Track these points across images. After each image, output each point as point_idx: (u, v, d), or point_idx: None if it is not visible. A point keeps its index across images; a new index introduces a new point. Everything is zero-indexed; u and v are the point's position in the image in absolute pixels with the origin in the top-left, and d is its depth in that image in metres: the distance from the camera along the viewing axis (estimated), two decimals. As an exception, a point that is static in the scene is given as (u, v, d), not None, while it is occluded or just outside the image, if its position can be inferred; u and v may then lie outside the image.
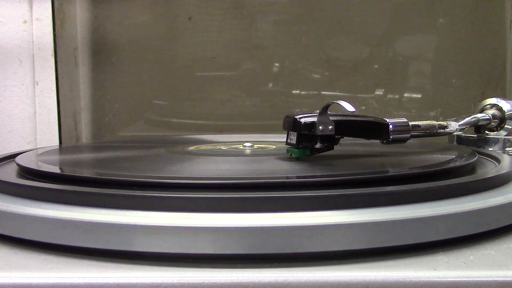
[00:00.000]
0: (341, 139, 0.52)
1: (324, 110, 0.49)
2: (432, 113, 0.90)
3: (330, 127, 0.49)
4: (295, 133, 0.49)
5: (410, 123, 0.52)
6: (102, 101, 0.91)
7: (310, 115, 0.49)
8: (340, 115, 0.50)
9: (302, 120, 0.49)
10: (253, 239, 0.34)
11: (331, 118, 0.49)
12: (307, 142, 0.50)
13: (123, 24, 0.90)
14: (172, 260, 0.34)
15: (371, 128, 0.52)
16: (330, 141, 0.50)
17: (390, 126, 0.50)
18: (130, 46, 0.90)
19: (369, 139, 0.52)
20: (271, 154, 0.54)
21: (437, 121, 0.56)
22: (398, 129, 0.51)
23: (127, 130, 0.91)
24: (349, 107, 0.47)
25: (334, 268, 0.34)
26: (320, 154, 0.51)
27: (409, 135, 0.52)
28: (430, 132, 0.55)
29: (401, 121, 0.51)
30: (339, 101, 0.48)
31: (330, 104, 0.49)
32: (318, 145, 0.50)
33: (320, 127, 0.49)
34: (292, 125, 0.50)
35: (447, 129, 0.57)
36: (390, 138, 0.50)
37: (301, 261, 0.34)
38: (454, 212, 0.37)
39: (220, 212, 0.35)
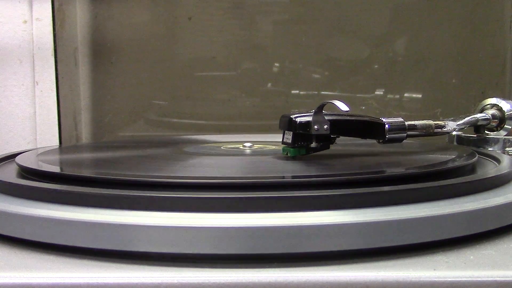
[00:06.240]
0: (341, 139, 0.52)
1: (319, 110, 0.49)
2: (432, 113, 0.90)
3: (325, 126, 0.49)
4: (291, 133, 0.50)
5: (407, 123, 0.52)
6: (102, 101, 0.90)
7: (305, 114, 0.49)
8: (335, 115, 0.50)
9: (298, 120, 0.49)
10: (253, 239, 0.34)
11: (326, 117, 0.49)
12: (303, 141, 0.50)
13: (123, 24, 0.90)
14: (172, 260, 0.34)
15: (367, 128, 0.52)
16: (325, 140, 0.51)
17: (386, 126, 0.50)
18: (130, 46, 0.90)
19: (365, 138, 0.52)
20: (271, 154, 0.54)
21: (434, 121, 0.56)
22: (394, 129, 0.51)
23: (127, 130, 0.91)
24: (343, 107, 0.47)
25: (334, 268, 0.34)
26: (320, 153, 0.51)
27: (405, 134, 0.52)
28: (427, 132, 0.55)
29: (397, 121, 0.51)
30: (334, 100, 0.48)
31: (325, 104, 0.49)
32: (313, 144, 0.50)
33: (315, 127, 0.49)
34: (287, 124, 0.50)
35: (444, 129, 0.57)
36: (386, 137, 0.50)
37: (301, 261, 0.34)
38: (454, 212, 0.37)
39: (220, 212, 0.35)
